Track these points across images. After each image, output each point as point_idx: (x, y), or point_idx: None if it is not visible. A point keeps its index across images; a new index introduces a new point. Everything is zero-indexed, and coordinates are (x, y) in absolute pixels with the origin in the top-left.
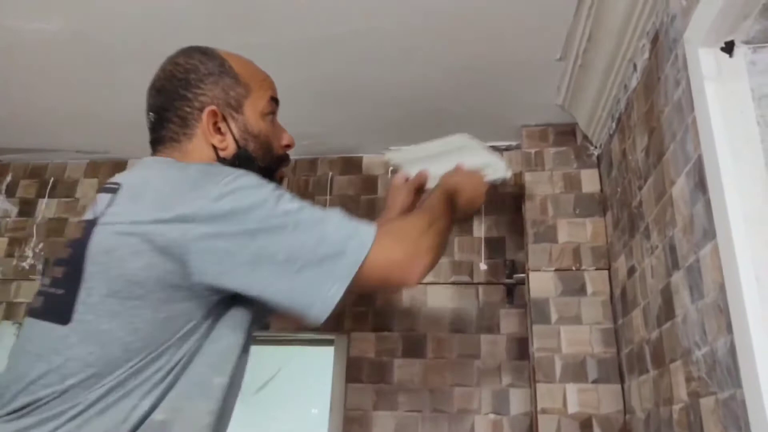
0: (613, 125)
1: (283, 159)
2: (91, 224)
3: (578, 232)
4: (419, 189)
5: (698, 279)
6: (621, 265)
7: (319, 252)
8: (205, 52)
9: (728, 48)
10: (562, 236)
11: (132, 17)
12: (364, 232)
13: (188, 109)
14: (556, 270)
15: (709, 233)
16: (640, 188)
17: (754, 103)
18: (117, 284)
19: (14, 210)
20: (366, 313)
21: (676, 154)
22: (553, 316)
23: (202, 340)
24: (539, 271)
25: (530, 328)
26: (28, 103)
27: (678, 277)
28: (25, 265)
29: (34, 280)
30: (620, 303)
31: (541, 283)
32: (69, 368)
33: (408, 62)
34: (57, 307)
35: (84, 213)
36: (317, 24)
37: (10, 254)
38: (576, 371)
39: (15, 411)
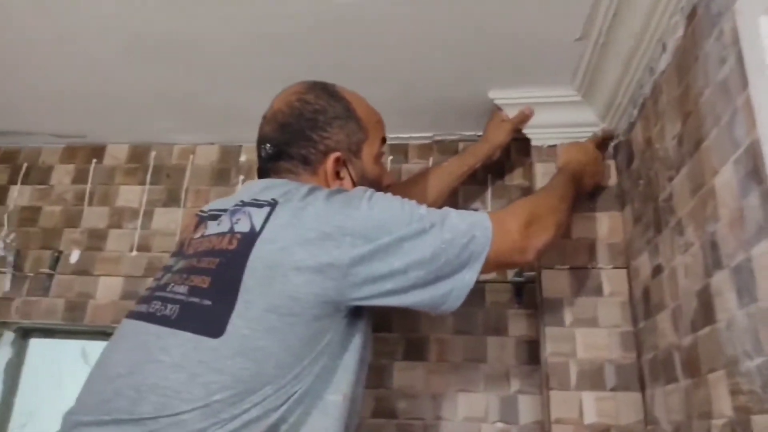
0: (635, 112)
1: None
2: (251, 237)
3: (593, 227)
4: (518, 129)
5: (749, 280)
6: (643, 263)
7: (455, 244)
8: (332, 94)
9: None
10: (576, 232)
11: None
12: (482, 218)
13: (312, 150)
14: (570, 268)
15: (766, 229)
16: (670, 179)
17: None
18: (278, 300)
19: None
20: None
21: (720, 140)
22: (568, 318)
23: (329, 355)
24: (552, 269)
25: (542, 331)
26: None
27: (721, 278)
28: None
29: (3, 272)
30: (642, 305)
31: (554, 282)
32: (218, 383)
33: (405, 44)
34: (205, 318)
35: (212, 224)
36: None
37: None
38: (593, 378)
39: (144, 419)
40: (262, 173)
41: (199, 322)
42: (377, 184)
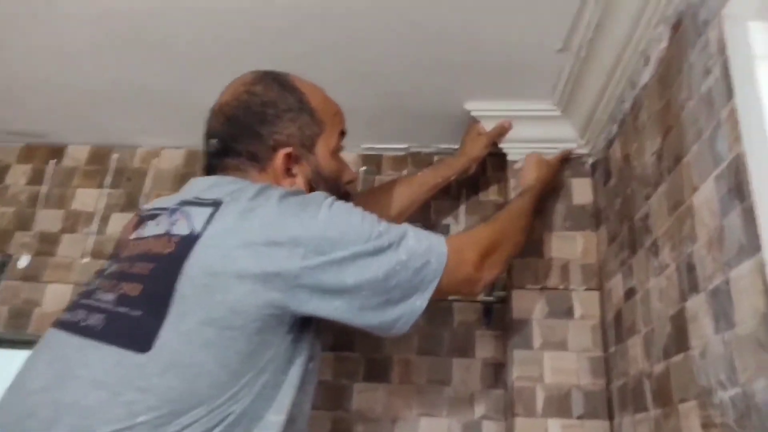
0: (614, 128)
1: (347, 196)
2: (189, 240)
3: (568, 247)
4: (495, 142)
5: (727, 305)
6: (616, 285)
7: (409, 267)
8: (283, 84)
9: None
10: (549, 251)
11: None
12: (439, 242)
13: (261, 147)
14: (542, 288)
15: (747, 249)
16: (647, 198)
17: None
18: (217, 311)
19: None
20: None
21: (701, 155)
22: (536, 341)
23: (272, 372)
24: (523, 288)
25: (510, 354)
26: None
27: (697, 302)
28: None
29: None
30: (613, 329)
31: (524, 302)
32: (143, 403)
33: (381, 52)
34: (132, 330)
35: (151, 224)
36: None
37: None
38: (560, 404)
39: None
40: (209, 170)
41: (125, 334)
42: (335, 180)
